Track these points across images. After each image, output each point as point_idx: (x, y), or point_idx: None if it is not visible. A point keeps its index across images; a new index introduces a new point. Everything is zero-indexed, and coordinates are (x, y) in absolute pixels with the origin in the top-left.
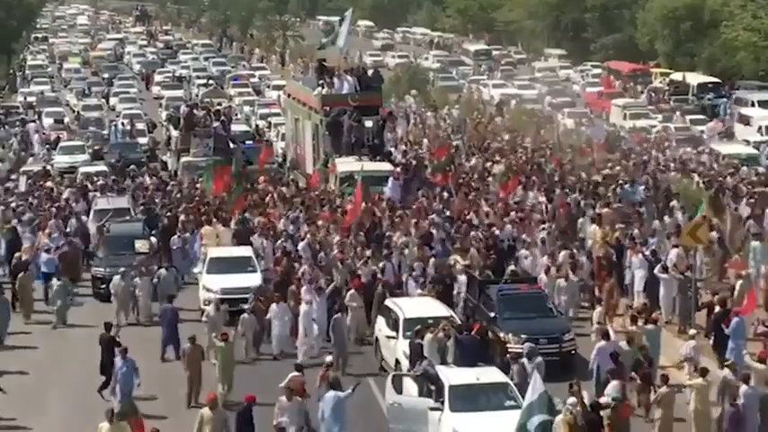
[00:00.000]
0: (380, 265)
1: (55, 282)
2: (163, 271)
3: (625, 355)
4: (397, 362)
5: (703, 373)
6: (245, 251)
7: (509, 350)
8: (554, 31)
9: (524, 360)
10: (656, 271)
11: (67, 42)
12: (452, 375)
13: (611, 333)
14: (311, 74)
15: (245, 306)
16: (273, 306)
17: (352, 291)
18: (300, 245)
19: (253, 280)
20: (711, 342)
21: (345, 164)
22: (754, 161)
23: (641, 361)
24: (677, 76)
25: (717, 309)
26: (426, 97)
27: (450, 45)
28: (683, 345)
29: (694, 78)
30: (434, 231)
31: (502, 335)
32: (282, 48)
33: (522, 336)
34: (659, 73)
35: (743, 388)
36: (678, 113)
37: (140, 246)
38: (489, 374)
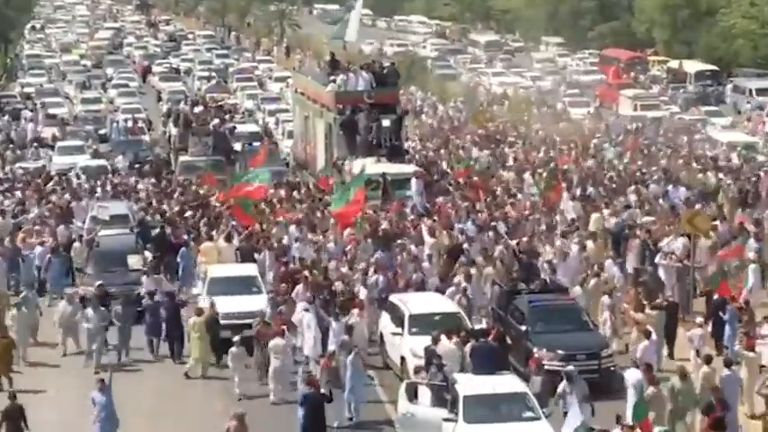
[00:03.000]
0: (373, 279)
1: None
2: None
3: (684, 392)
4: (402, 359)
5: (708, 360)
6: (249, 269)
7: (542, 365)
8: (551, 18)
9: (564, 386)
10: (657, 259)
11: (65, 32)
12: (467, 384)
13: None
14: (308, 63)
15: (249, 333)
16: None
17: (356, 310)
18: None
19: (258, 302)
20: (710, 329)
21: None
22: (752, 149)
23: (712, 404)
24: (674, 63)
25: (716, 296)
26: (423, 86)
27: (447, 34)
28: (690, 332)
29: (692, 66)
30: (468, 245)
31: (535, 350)
32: (280, 36)
33: (559, 351)
34: (657, 61)
35: (724, 372)
36: (695, 107)
37: (134, 262)
38: (507, 383)
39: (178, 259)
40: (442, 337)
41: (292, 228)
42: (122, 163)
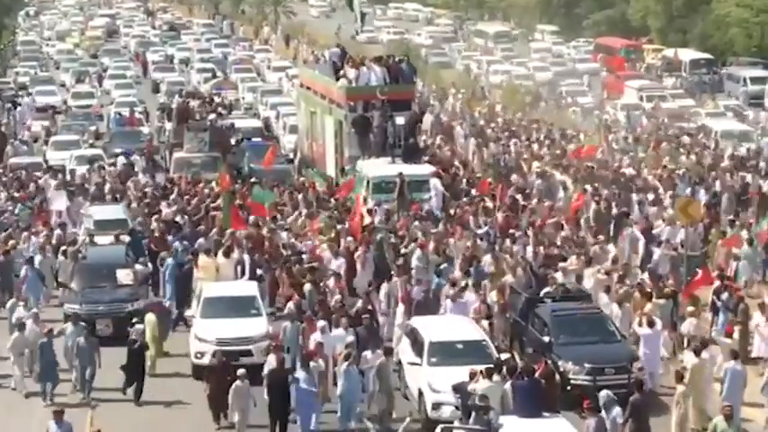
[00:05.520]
0: (385, 290)
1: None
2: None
3: None
4: (421, 393)
5: (697, 351)
6: (248, 288)
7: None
8: (546, 6)
9: (602, 412)
10: (661, 251)
11: (60, 18)
12: (511, 429)
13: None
14: (302, 52)
15: (247, 361)
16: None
17: (401, 307)
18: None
19: (257, 326)
20: (710, 317)
21: (377, 167)
22: (746, 138)
23: None
24: (669, 52)
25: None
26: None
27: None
28: (685, 322)
29: (687, 54)
30: (488, 256)
31: (560, 363)
32: (274, 24)
33: (585, 365)
34: (651, 49)
35: (730, 364)
36: (707, 98)
37: (123, 277)
38: (556, 428)
39: (162, 272)
40: (480, 373)
41: (284, 234)
42: (140, 163)
